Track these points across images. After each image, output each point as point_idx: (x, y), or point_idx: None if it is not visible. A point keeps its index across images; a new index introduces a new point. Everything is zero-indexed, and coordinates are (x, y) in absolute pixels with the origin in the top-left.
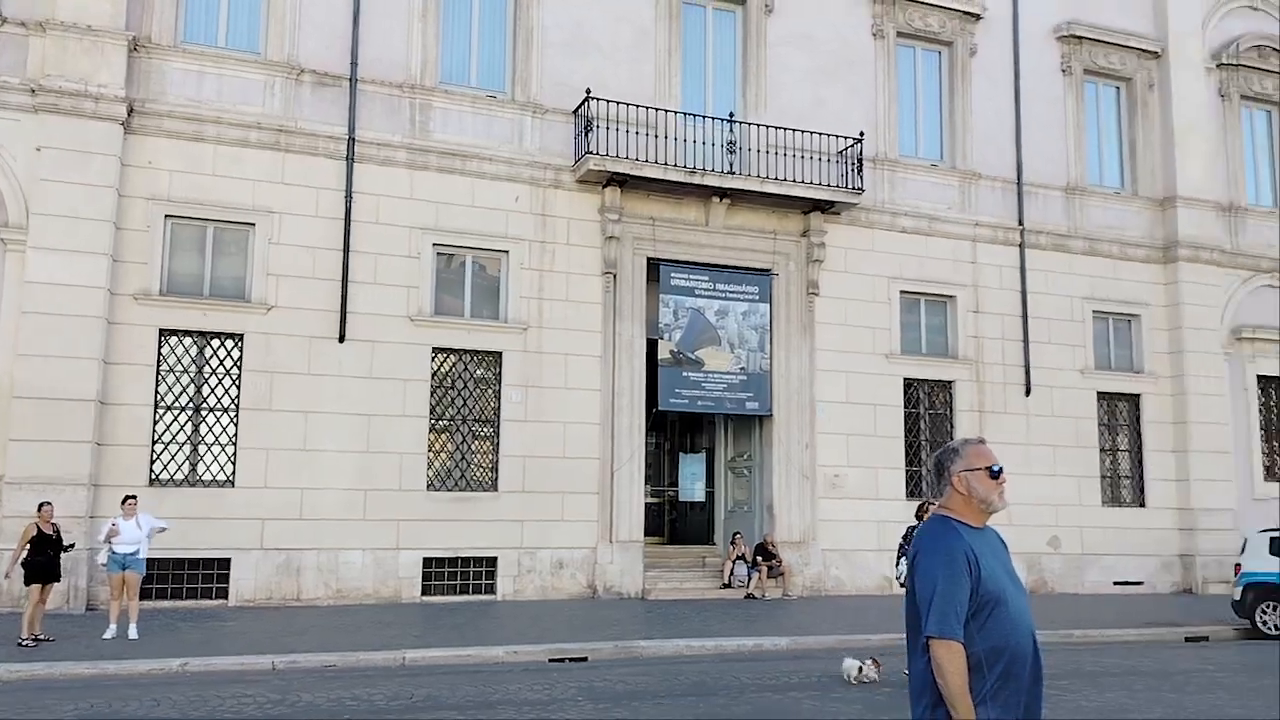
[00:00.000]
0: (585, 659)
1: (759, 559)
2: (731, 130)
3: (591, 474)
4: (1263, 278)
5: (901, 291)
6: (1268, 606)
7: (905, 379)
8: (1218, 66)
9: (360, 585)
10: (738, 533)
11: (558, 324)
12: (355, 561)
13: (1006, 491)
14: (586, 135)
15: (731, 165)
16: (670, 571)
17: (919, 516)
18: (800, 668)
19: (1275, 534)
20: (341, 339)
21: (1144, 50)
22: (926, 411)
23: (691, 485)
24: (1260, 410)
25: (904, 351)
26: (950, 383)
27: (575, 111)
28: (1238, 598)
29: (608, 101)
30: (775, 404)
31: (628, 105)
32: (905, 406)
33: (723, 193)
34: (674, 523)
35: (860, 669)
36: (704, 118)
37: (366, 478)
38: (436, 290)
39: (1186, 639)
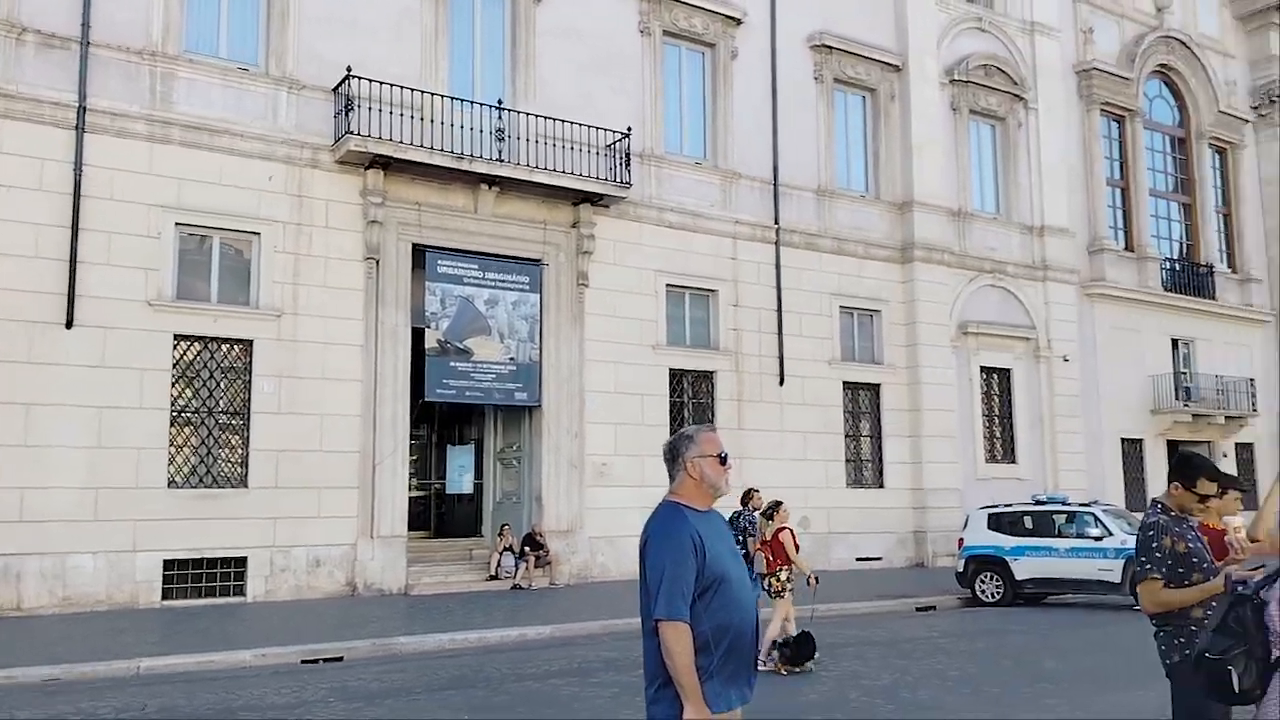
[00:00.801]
0: (340, 659)
1: (527, 549)
2: (500, 118)
3: (351, 468)
4: (985, 278)
5: (668, 285)
6: (986, 576)
7: (671, 369)
8: (950, 82)
9: (92, 591)
10: (505, 524)
11: (315, 311)
12: (85, 566)
13: (731, 476)
14: (347, 115)
15: (500, 153)
16: (435, 565)
17: (744, 502)
18: (563, 654)
19: (993, 511)
20: (69, 324)
21: (887, 64)
22: (690, 400)
23: (459, 477)
24: (982, 398)
25: (670, 343)
26: (712, 373)
27: (335, 89)
28: (960, 569)
29: (370, 81)
30: (545, 394)
31: (392, 86)
32: (670, 396)
33: (491, 180)
34: (441, 516)
35: None
36: (472, 103)
37: (98, 475)
38: (179, 273)
39: (917, 609)
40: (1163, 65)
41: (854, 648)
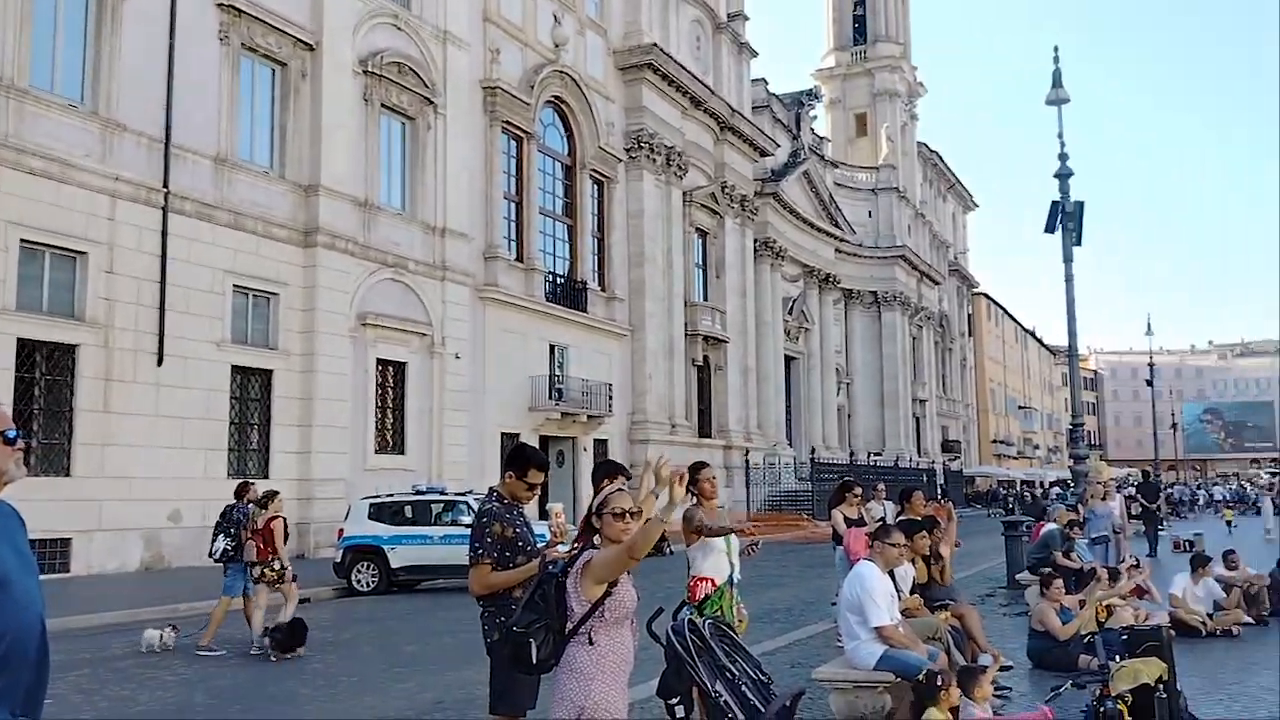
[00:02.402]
0: None
1: None
2: None
3: None
4: (388, 271)
5: (23, 240)
6: (363, 565)
7: (20, 339)
8: (365, 73)
9: None
10: None
11: None
12: None
13: (21, 460)
14: None
15: None
16: None
17: (239, 495)
18: None
19: (374, 501)
20: None
21: (301, 40)
22: (44, 378)
23: None
24: (377, 390)
25: (20, 308)
26: (75, 347)
27: None
28: (339, 559)
29: None
30: None
31: None
32: (18, 371)
33: None
34: None
35: (160, 637)
36: None
37: None
38: None
39: None
40: (557, 97)
41: (223, 647)
